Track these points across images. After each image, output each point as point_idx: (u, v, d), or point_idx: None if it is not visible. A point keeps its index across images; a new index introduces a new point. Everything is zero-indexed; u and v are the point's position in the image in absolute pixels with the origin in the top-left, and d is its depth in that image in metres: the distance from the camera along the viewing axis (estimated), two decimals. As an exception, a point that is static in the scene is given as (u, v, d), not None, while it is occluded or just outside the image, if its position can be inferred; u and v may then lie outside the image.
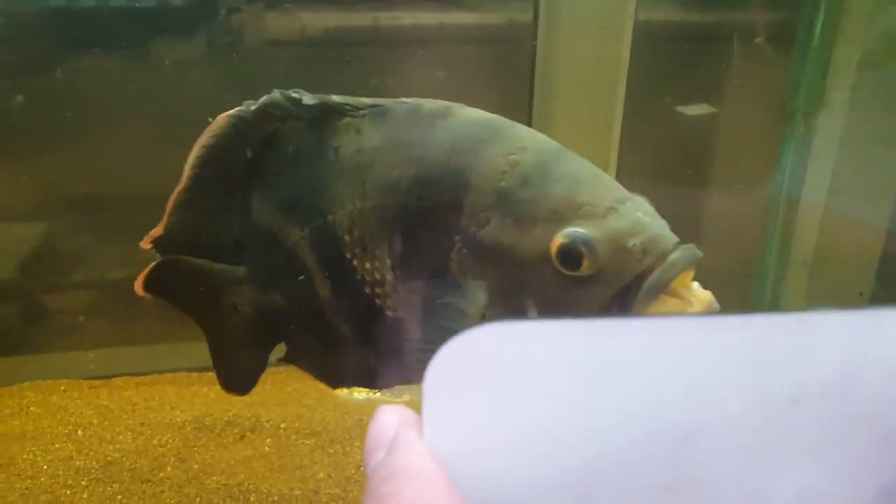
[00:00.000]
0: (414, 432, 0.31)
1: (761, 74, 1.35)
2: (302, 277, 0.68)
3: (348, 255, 0.65)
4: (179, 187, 0.70)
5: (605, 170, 1.45)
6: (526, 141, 0.60)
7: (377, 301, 0.65)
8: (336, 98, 0.66)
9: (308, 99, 0.66)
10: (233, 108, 0.70)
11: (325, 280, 0.67)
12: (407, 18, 1.33)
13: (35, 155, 1.27)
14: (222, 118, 0.68)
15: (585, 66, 1.31)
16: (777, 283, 1.36)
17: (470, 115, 0.62)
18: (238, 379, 0.79)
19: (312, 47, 1.31)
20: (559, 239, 0.54)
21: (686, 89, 1.38)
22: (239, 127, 0.67)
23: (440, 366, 0.29)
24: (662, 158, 1.43)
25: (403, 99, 0.64)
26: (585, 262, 0.54)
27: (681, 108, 1.42)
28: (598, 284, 0.55)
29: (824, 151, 1.27)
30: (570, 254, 0.54)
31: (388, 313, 0.65)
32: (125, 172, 1.26)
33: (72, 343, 1.39)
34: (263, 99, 0.67)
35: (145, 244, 0.74)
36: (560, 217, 0.55)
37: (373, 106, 0.64)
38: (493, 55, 1.40)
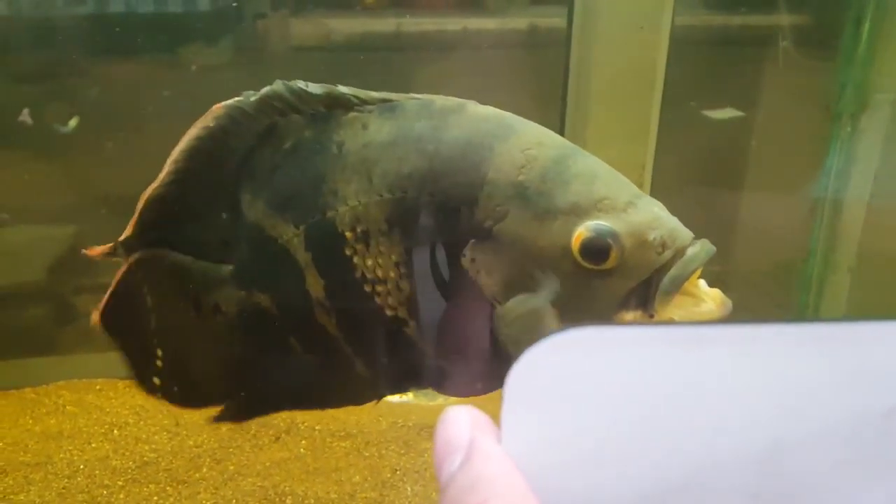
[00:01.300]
0: (490, 437, 0.30)
1: (805, 76, 1.33)
2: (292, 277, 0.66)
3: (348, 252, 0.63)
4: (156, 182, 0.67)
5: (642, 173, 1.44)
6: (541, 136, 0.60)
7: (377, 300, 0.63)
8: (343, 89, 0.64)
9: (314, 88, 0.64)
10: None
11: (320, 279, 0.65)
12: (430, 24, 1.33)
13: (66, 157, 1.28)
14: (218, 108, 0.65)
15: (622, 68, 1.30)
16: (821, 288, 1.33)
17: (483, 111, 0.62)
18: (203, 390, 0.74)
19: (337, 52, 1.32)
20: (583, 232, 0.54)
21: (727, 91, 1.36)
22: (235, 118, 0.65)
23: (522, 370, 0.28)
24: (701, 162, 1.41)
25: (413, 95, 0.63)
26: (613, 255, 0.53)
27: (707, 112, 1.41)
28: (617, 278, 0.54)
29: (870, 152, 1.24)
30: (596, 247, 0.53)
31: (388, 313, 0.63)
32: (154, 175, 1.26)
33: (103, 344, 1.40)
34: (265, 90, 0.65)
35: (97, 252, 0.69)
36: (580, 210, 0.55)
37: (382, 100, 0.63)
38: (517, 60, 1.39)
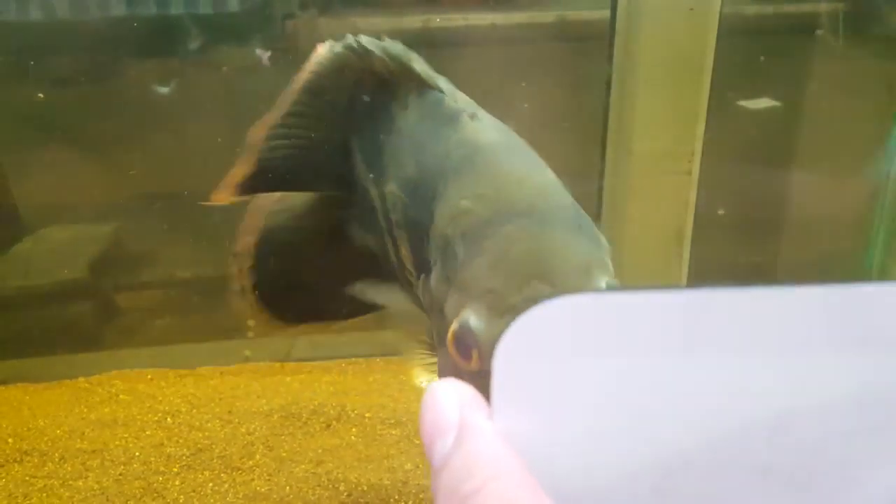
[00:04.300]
0: (481, 414, 0.28)
1: (862, 60, 1.29)
2: (379, 230, 0.65)
3: (387, 229, 0.62)
4: (275, 113, 0.63)
5: (691, 160, 1.40)
6: (487, 186, 0.50)
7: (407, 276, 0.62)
8: (417, 63, 0.61)
9: (391, 46, 0.61)
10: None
11: (392, 246, 0.63)
12: (458, 20, 1.32)
13: (104, 156, 1.30)
14: (324, 49, 0.61)
15: (670, 52, 1.27)
16: (882, 279, 1.29)
17: (470, 131, 0.55)
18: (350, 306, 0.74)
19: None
20: (455, 323, 0.46)
21: (780, 77, 1.33)
22: (338, 65, 0.62)
23: (513, 340, 0.26)
24: (753, 147, 1.38)
25: (444, 80, 0.60)
26: (475, 357, 0.45)
27: (743, 103, 1.37)
28: (484, 380, 0.48)
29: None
30: (461, 344, 0.45)
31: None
32: (189, 173, 1.28)
33: (142, 340, 1.42)
34: (343, 43, 0.61)
35: (222, 196, 0.66)
36: (467, 295, 0.46)
37: (432, 84, 0.60)
38: (557, 52, 1.38)
